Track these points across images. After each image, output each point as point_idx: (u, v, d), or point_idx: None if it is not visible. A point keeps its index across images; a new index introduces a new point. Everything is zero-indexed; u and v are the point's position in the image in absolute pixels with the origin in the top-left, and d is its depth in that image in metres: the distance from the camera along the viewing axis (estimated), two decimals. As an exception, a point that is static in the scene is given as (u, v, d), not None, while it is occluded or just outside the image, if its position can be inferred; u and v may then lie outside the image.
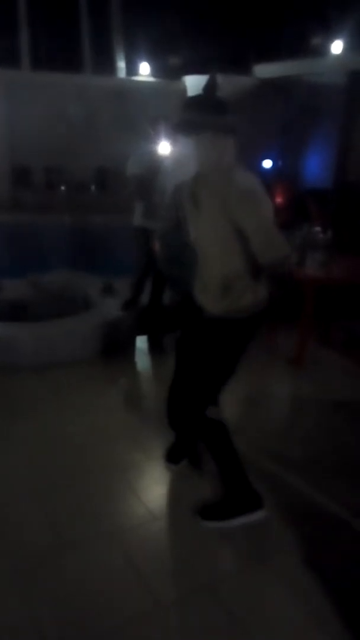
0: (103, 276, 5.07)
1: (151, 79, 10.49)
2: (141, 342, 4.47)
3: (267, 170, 9.14)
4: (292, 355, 4.13)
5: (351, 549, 2.31)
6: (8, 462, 2.84)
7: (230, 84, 8.01)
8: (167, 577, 2.11)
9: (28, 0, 10.03)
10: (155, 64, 10.71)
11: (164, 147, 4.04)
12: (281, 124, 9.04)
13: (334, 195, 6.90)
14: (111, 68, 10.89)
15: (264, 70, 9.25)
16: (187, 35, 10.26)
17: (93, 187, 10.03)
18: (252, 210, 2.00)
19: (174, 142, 2.09)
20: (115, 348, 4.24)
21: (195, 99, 2.17)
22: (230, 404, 2.58)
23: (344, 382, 3.91)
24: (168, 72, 10.51)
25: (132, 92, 9.60)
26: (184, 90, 9.76)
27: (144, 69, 10.67)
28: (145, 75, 10.66)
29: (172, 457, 2.79)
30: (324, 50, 9.41)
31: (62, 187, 9.81)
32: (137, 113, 7.53)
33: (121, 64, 10.94)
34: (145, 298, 4.44)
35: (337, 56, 9.14)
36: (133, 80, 10.46)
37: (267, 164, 9.00)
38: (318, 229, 4.34)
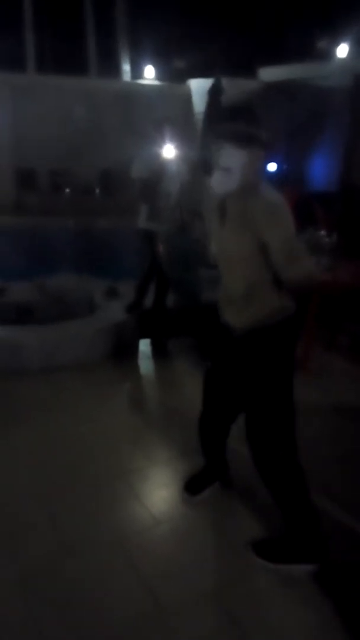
0: (107, 279, 5.07)
1: (156, 82, 10.51)
2: (145, 345, 4.46)
3: (272, 174, 9.13)
4: (296, 359, 4.10)
5: (356, 555, 2.28)
6: (12, 465, 2.83)
7: (235, 87, 8.02)
8: (170, 582, 2.10)
9: (33, 3, 10.07)
10: (160, 67, 10.74)
11: (169, 150, 4.04)
12: (286, 127, 9.03)
13: (339, 199, 6.87)
14: (116, 71, 10.92)
15: (269, 73, 9.24)
16: (192, 39, 10.28)
17: (98, 190, 10.04)
18: (278, 227, 1.97)
19: (215, 151, 2.01)
20: (119, 351, 4.23)
21: (244, 110, 2.13)
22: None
23: (349, 388, 3.89)
24: (173, 75, 10.53)
25: (137, 95, 9.61)
26: (189, 93, 9.77)
27: (149, 72, 10.69)
28: (150, 79, 10.68)
29: (193, 487, 2.63)
30: (329, 54, 9.42)
31: (67, 190, 9.83)
32: (142, 116, 7.54)
33: (126, 67, 10.97)
34: (149, 301, 4.44)
35: (343, 60, 9.14)
36: (138, 84, 10.48)
37: (272, 167, 8.99)
38: (323, 232, 4.32)
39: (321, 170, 9.20)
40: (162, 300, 4.35)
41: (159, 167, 4.02)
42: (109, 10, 10.72)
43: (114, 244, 6.55)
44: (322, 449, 3.09)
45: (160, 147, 4.06)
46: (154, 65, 10.72)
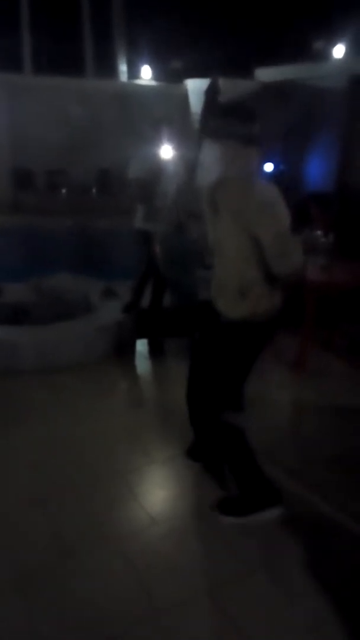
0: (104, 279, 5.07)
1: (153, 82, 10.52)
2: (142, 345, 4.46)
3: (268, 174, 9.14)
4: (293, 360, 4.11)
5: (351, 554, 2.29)
6: (9, 466, 2.83)
7: (232, 87, 8.02)
8: (167, 582, 2.10)
9: (30, 4, 10.07)
10: (157, 67, 10.75)
11: (166, 151, 4.04)
12: (283, 127, 9.04)
13: (335, 199, 6.88)
14: (113, 71, 10.93)
15: (266, 74, 9.26)
16: (189, 39, 10.29)
17: (94, 190, 10.04)
18: (269, 222, 2.01)
19: (200, 145, 2.10)
20: (117, 351, 4.23)
21: (228, 106, 2.23)
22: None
23: (346, 387, 3.89)
24: (170, 75, 10.55)
25: (134, 95, 9.62)
26: (186, 93, 9.78)
27: (146, 73, 10.71)
28: (147, 79, 10.69)
29: (192, 454, 2.83)
30: (326, 54, 9.45)
31: (64, 190, 9.83)
32: (138, 116, 7.55)
33: (123, 68, 10.98)
34: (145, 301, 4.44)
35: (339, 60, 9.17)
36: (135, 84, 10.49)
37: (269, 167, 9.00)
38: (320, 233, 4.33)
39: (317, 170, 9.21)
40: (158, 300, 4.36)
41: (155, 168, 4.02)
42: (105, 10, 10.72)
43: (111, 244, 6.56)
44: (318, 448, 3.10)
45: (157, 147, 4.06)
46: (150, 66, 10.73)
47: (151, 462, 2.88)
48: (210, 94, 7.87)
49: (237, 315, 2.22)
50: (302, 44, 9.96)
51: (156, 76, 10.67)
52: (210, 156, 2.08)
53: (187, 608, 1.99)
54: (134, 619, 1.93)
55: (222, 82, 8.33)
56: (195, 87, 9.26)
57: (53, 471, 2.79)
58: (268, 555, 2.26)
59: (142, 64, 10.75)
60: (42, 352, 3.99)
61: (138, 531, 2.38)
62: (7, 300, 4.71)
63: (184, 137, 4.69)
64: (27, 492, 2.62)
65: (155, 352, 4.39)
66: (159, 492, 2.69)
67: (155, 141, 4.07)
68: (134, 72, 10.90)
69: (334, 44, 9.25)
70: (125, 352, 4.32)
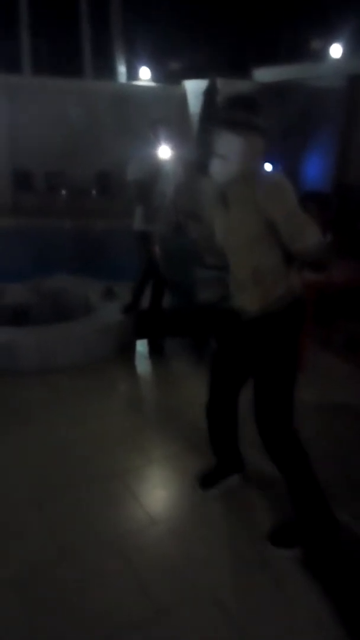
0: (104, 280, 5.08)
1: (151, 83, 10.54)
2: (142, 346, 4.47)
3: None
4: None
5: (352, 554, 2.30)
6: (7, 467, 2.83)
7: (230, 88, 8.04)
8: (166, 583, 2.11)
9: (29, 6, 10.08)
10: (156, 68, 10.77)
11: (164, 151, 4.05)
12: (281, 127, 9.06)
13: (333, 199, 6.90)
14: (112, 73, 10.95)
15: (264, 74, 9.28)
16: (187, 40, 10.31)
17: (94, 192, 10.06)
18: (281, 200, 1.97)
19: (216, 138, 2.02)
20: (116, 352, 4.24)
21: (246, 98, 2.16)
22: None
23: (345, 386, 3.90)
24: (168, 76, 10.57)
25: (133, 96, 9.64)
26: (184, 94, 9.80)
27: (144, 74, 10.73)
28: (145, 80, 10.71)
29: (208, 480, 2.63)
30: (323, 54, 9.46)
31: (63, 192, 9.84)
32: (137, 117, 7.56)
33: (121, 69, 11.00)
34: (145, 302, 4.45)
35: (337, 60, 9.18)
36: (133, 85, 10.51)
37: (267, 167, 9.03)
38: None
39: (315, 169, 9.23)
40: (158, 301, 4.37)
41: (154, 169, 4.03)
42: (104, 12, 10.74)
43: (110, 245, 6.57)
44: (318, 447, 3.09)
45: (156, 148, 4.07)
46: (149, 67, 10.75)
47: (151, 462, 2.89)
48: (209, 94, 7.90)
49: (259, 305, 2.14)
50: (300, 44, 9.98)
51: (154, 77, 10.69)
52: (232, 150, 1.99)
53: (187, 607, 2.00)
54: (133, 619, 1.94)
55: (220, 82, 8.35)
56: (193, 88, 9.29)
57: (53, 471, 2.79)
58: (269, 555, 2.26)
59: (141, 66, 10.77)
60: (42, 352, 3.99)
61: (137, 531, 2.38)
62: (7, 301, 4.72)
63: (182, 138, 4.70)
64: (24, 492, 2.62)
65: (155, 352, 4.40)
66: (158, 492, 2.70)
67: (154, 142, 4.08)
68: (132, 74, 10.92)
69: (331, 44, 9.26)
70: (125, 352, 4.33)
